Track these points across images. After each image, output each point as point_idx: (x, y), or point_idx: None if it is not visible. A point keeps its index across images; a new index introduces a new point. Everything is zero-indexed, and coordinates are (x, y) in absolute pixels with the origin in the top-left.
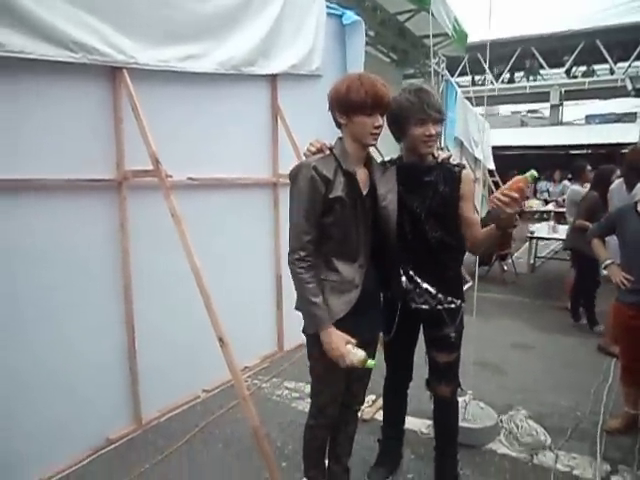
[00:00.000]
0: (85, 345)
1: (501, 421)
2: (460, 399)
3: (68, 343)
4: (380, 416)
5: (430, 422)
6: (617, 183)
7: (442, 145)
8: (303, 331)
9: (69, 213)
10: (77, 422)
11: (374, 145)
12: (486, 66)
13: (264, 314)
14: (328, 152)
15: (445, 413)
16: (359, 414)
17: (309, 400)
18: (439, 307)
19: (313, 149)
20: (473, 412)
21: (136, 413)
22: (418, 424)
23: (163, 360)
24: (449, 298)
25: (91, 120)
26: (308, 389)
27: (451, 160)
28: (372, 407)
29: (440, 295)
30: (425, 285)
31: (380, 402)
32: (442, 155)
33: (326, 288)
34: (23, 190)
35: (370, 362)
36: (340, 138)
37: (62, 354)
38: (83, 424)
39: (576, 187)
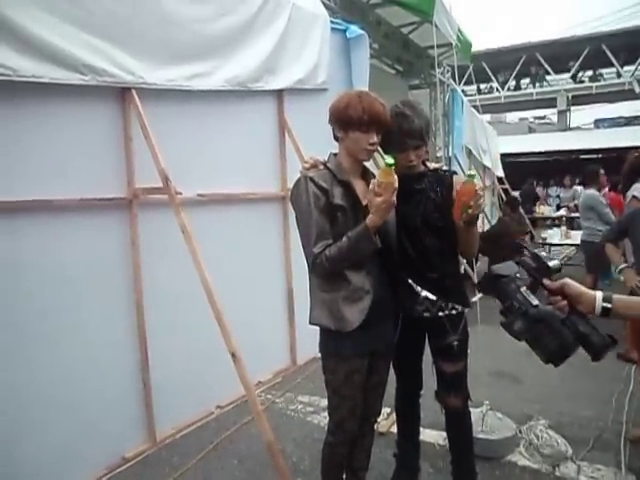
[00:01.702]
0: (98, 362)
1: (520, 432)
2: (477, 410)
3: (81, 360)
4: (396, 429)
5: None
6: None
7: (449, 154)
8: (320, 349)
9: (81, 232)
10: (92, 441)
11: (367, 160)
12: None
13: (276, 328)
14: (322, 167)
15: (457, 425)
16: (375, 427)
17: (324, 414)
18: (440, 314)
19: (307, 165)
20: (491, 423)
21: (150, 430)
22: (435, 436)
23: (176, 376)
24: (450, 304)
25: (102, 140)
26: (323, 403)
27: (443, 167)
28: (388, 420)
29: (440, 302)
30: (424, 293)
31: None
32: (433, 165)
33: (339, 299)
34: (36, 210)
35: (387, 159)
36: (335, 154)
37: (75, 372)
38: (98, 443)
39: (591, 191)
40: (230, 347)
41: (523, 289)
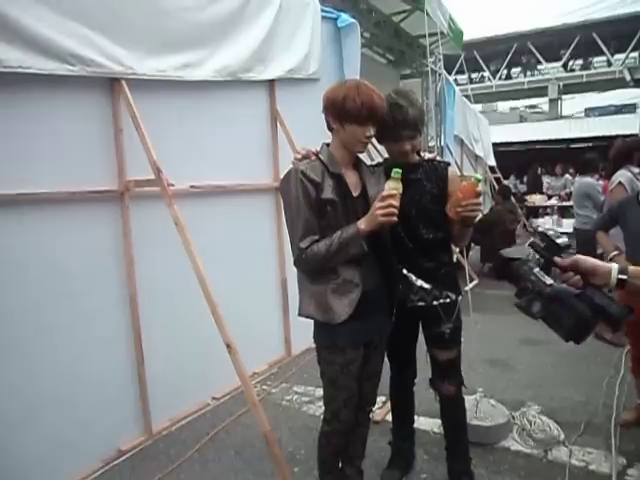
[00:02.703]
0: (93, 356)
1: (513, 418)
2: (471, 397)
3: (75, 355)
4: (390, 417)
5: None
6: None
7: (442, 144)
8: (315, 340)
9: (72, 225)
10: (87, 434)
11: (362, 152)
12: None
13: (271, 319)
14: (314, 158)
15: (451, 411)
16: (370, 415)
17: (319, 404)
18: (435, 303)
19: (299, 156)
20: (484, 410)
21: (146, 423)
22: (430, 424)
23: (171, 369)
24: (444, 293)
25: (91, 132)
26: (318, 393)
27: (437, 158)
28: (383, 408)
29: (435, 291)
30: (420, 282)
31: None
32: (428, 155)
33: (327, 292)
34: (25, 204)
35: (395, 171)
36: (327, 144)
37: (69, 365)
38: (94, 436)
39: (587, 179)
40: (225, 338)
41: (536, 270)
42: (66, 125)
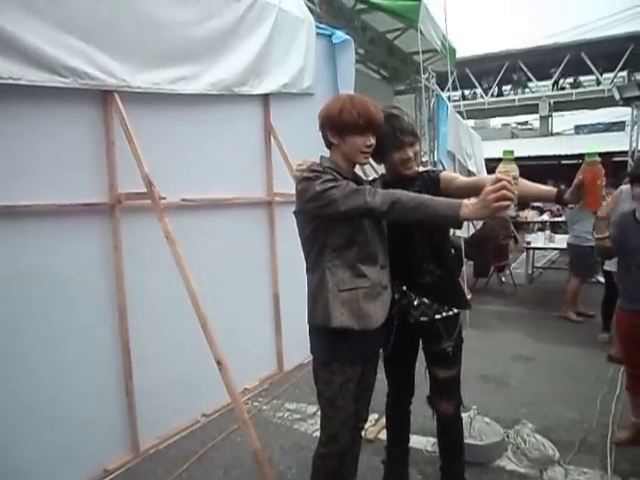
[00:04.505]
0: (79, 371)
1: (507, 436)
2: (465, 415)
3: (60, 370)
4: (384, 435)
5: (435, 440)
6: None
7: (435, 159)
8: (312, 352)
9: (62, 238)
10: (72, 452)
11: (364, 164)
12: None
13: (263, 334)
14: (320, 168)
15: (449, 431)
16: (362, 433)
17: (311, 421)
18: (437, 316)
19: (303, 167)
20: (479, 428)
21: (134, 441)
22: (423, 442)
23: (160, 385)
24: (446, 307)
25: (82, 144)
26: (310, 410)
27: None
28: (375, 426)
29: (436, 305)
30: (420, 298)
31: (383, 421)
32: (421, 168)
33: (359, 296)
34: (15, 216)
35: (507, 151)
36: (327, 158)
37: (55, 381)
38: (79, 454)
39: None
40: (216, 354)
41: None
42: (57, 137)
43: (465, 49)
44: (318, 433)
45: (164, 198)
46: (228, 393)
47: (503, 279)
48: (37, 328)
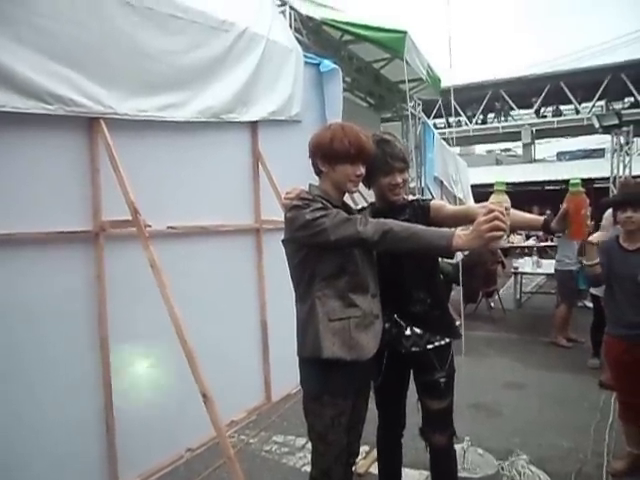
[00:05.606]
0: (58, 405)
1: (502, 468)
2: (458, 446)
3: (39, 403)
4: (375, 469)
5: (428, 473)
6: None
7: (422, 185)
8: (301, 385)
9: (44, 266)
10: None
11: (353, 192)
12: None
13: (250, 364)
14: (310, 196)
15: (442, 463)
16: (353, 468)
17: (299, 455)
18: (429, 346)
19: (292, 195)
20: (472, 460)
21: (113, 478)
22: (416, 476)
23: (143, 418)
24: (438, 336)
25: (67, 171)
26: (298, 443)
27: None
28: (366, 459)
29: (428, 334)
30: (411, 328)
31: (374, 453)
32: (410, 197)
33: (351, 326)
34: None
35: (498, 182)
36: (317, 186)
37: (32, 415)
38: None
39: None
40: (201, 388)
41: None
42: (41, 164)
43: (449, 78)
44: (307, 467)
45: (149, 226)
46: (214, 428)
47: (492, 304)
48: (14, 359)
